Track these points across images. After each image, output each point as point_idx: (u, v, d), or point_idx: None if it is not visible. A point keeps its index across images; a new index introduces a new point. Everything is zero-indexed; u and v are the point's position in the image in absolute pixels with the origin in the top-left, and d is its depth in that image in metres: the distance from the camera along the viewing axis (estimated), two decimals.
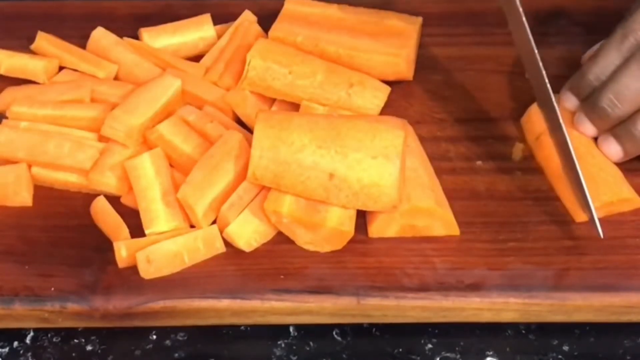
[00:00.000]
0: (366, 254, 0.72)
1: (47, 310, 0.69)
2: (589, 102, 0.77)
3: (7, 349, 0.71)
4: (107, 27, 0.85)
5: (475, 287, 0.70)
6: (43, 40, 0.83)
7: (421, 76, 0.84)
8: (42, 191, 0.76)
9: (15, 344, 0.72)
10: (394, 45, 0.81)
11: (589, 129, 0.77)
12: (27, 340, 0.72)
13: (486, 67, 0.84)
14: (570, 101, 0.78)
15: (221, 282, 0.70)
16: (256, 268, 0.71)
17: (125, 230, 0.72)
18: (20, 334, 0.72)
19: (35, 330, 0.72)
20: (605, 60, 0.76)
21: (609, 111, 0.75)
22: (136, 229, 0.72)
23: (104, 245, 0.72)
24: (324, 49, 0.81)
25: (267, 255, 0.72)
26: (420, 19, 0.83)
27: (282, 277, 0.71)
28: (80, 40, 0.85)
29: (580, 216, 0.73)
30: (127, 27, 0.86)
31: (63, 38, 0.84)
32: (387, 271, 0.71)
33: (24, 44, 0.84)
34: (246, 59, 0.79)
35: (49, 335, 0.72)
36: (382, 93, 0.80)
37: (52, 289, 0.70)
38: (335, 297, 0.70)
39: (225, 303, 0.70)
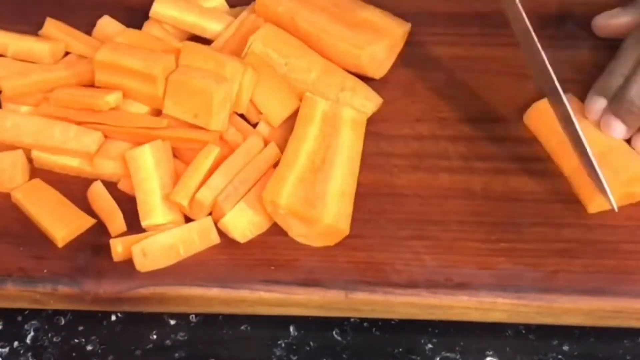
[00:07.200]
0: (357, 249, 0.72)
1: (38, 291, 0.70)
2: (616, 98, 0.76)
3: (7, 349, 0.72)
4: (116, 17, 0.85)
5: (464, 286, 0.70)
6: (51, 26, 0.84)
7: (425, 74, 0.83)
8: (41, 174, 0.77)
9: (15, 344, 0.72)
10: (363, 40, 0.81)
11: (618, 129, 0.76)
12: (27, 340, 0.72)
13: (491, 67, 0.84)
14: (599, 103, 0.77)
15: (212, 271, 0.71)
16: (247, 258, 0.72)
17: (119, 216, 0.73)
18: (20, 333, 0.72)
19: (36, 330, 0.73)
20: (629, 55, 0.76)
21: (637, 102, 0.74)
22: (131, 215, 0.73)
23: (99, 230, 0.73)
24: (299, 24, 0.81)
25: (259, 246, 0.72)
26: (408, 26, 0.84)
27: (272, 268, 0.71)
28: (89, 27, 0.85)
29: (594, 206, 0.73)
30: (137, 17, 0.86)
31: (72, 25, 0.85)
32: (377, 267, 0.71)
33: (34, 30, 0.85)
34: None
35: (49, 335, 0.72)
36: (372, 103, 0.80)
37: (45, 271, 0.71)
38: (324, 290, 0.70)
39: (214, 292, 0.70)
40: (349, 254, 0.72)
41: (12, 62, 0.82)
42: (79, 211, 0.74)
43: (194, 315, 0.73)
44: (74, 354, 0.71)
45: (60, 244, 0.72)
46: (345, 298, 0.70)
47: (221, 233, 0.73)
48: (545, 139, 0.78)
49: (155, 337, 0.72)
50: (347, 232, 0.72)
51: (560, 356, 0.71)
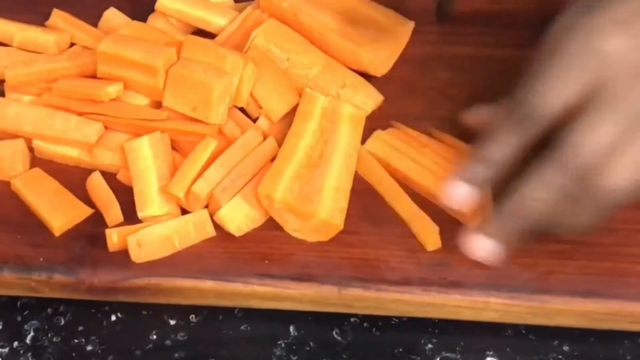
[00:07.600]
0: (352, 245, 0.72)
1: (34, 279, 0.71)
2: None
3: (7, 349, 0.72)
4: (122, 9, 0.86)
5: (457, 285, 0.70)
6: (58, 18, 0.85)
7: (428, 74, 0.83)
8: (40, 164, 0.77)
9: (15, 344, 0.72)
10: (365, 37, 0.81)
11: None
12: (27, 340, 0.72)
13: (493, 67, 0.83)
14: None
15: (207, 264, 0.71)
16: (242, 252, 0.72)
17: (116, 207, 0.73)
18: (20, 333, 0.73)
19: (35, 330, 0.73)
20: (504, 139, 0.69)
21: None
22: (129, 205, 0.73)
23: (96, 220, 0.73)
24: (302, 21, 0.81)
25: (254, 239, 0.73)
26: (411, 24, 0.84)
27: (266, 262, 0.71)
28: (96, 19, 0.86)
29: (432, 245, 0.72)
30: (142, 9, 0.87)
31: (79, 17, 0.85)
32: (372, 263, 0.71)
33: (40, 20, 0.86)
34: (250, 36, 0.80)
35: (49, 335, 0.73)
36: (372, 101, 0.80)
37: (41, 259, 0.71)
38: (317, 285, 0.70)
39: (208, 284, 0.70)
40: (343, 250, 0.72)
41: (17, 51, 0.83)
42: (77, 201, 0.74)
43: (194, 315, 0.73)
44: (73, 354, 0.72)
45: (57, 232, 0.73)
46: (338, 293, 0.70)
47: (217, 226, 0.73)
48: (378, 184, 0.75)
49: (155, 337, 0.72)
50: (341, 227, 0.72)
51: (560, 356, 0.71)
